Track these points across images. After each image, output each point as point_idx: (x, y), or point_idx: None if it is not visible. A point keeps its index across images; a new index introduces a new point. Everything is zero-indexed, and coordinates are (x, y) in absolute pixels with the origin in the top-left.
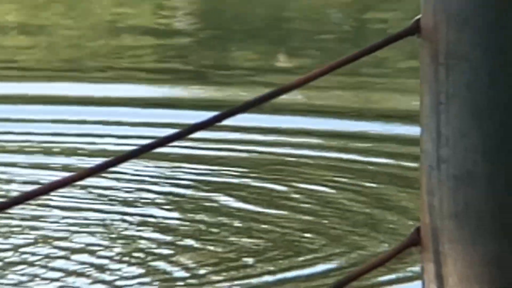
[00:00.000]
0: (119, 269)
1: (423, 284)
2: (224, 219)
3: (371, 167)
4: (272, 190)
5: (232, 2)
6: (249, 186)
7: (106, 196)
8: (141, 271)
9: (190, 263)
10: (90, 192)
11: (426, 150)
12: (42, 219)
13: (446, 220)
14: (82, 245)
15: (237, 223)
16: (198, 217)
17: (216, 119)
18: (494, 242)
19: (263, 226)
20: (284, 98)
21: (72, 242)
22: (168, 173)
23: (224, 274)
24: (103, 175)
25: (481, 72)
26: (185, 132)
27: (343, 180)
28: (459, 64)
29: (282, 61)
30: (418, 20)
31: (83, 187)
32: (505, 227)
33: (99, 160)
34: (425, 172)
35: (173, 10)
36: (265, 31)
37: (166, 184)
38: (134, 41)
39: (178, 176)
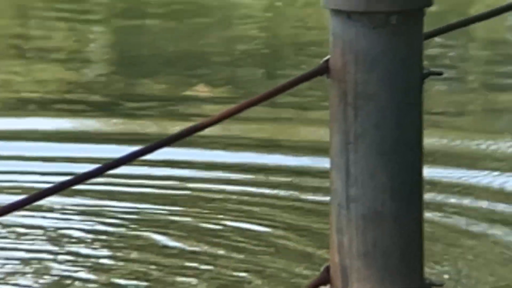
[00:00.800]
0: None
1: None
2: (157, 258)
3: (298, 203)
4: (201, 227)
5: (147, 32)
6: (177, 223)
7: (31, 234)
8: None
9: None
10: (12, 232)
11: (335, 189)
12: None
13: (355, 259)
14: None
15: (169, 262)
16: (131, 256)
17: (139, 153)
18: (402, 280)
19: (196, 264)
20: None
21: None
22: (93, 210)
23: None
24: (26, 213)
25: (388, 112)
26: (107, 167)
27: (272, 215)
28: (367, 104)
29: (200, 91)
30: (327, 60)
31: (5, 226)
32: (411, 265)
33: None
34: (334, 211)
35: (86, 38)
36: (180, 61)
37: (93, 222)
38: (42, 69)
39: (104, 214)
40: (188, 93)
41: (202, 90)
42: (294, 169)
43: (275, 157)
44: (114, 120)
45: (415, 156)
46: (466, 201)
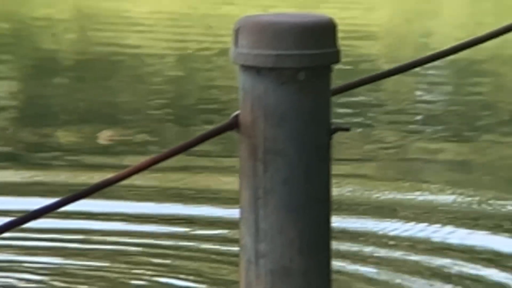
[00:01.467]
0: None
1: None
2: None
3: (221, 257)
4: (122, 283)
5: (56, 84)
6: (95, 278)
7: None
8: None
9: None
10: None
11: (245, 245)
12: None
13: None
14: None
15: None
16: None
17: (56, 205)
18: None
19: None
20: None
21: None
22: (6, 265)
23: None
24: None
25: (297, 168)
26: (20, 220)
27: (195, 269)
28: (276, 159)
29: (109, 140)
30: (237, 115)
31: None
32: None
33: None
34: (244, 266)
35: None
36: (90, 113)
37: (8, 278)
38: None
39: (20, 269)
40: (97, 143)
41: (110, 139)
42: (222, 220)
43: (199, 208)
44: (22, 171)
45: (324, 211)
46: (368, 249)
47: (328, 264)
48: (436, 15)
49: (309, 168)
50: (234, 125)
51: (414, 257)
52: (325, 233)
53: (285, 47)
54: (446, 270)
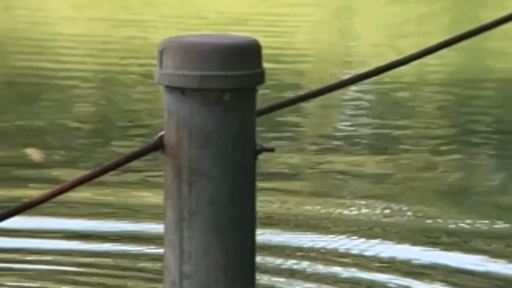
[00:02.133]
0: None
1: None
2: None
3: (149, 274)
4: None
5: None
6: None
7: None
8: None
9: None
10: None
11: (169, 266)
12: None
13: None
14: None
15: None
16: None
17: None
18: None
19: None
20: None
21: None
22: None
23: None
24: None
25: (222, 188)
26: None
27: None
28: (201, 180)
29: (33, 156)
30: (162, 136)
31: None
32: None
33: None
34: None
35: None
36: (13, 130)
37: None
38: None
39: None
40: (21, 159)
41: (34, 155)
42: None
43: (131, 225)
44: None
45: (249, 231)
46: (303, 265)
47: (253, 284)
48: (357, 36)
49: (234, 188)
50: (158, 145)
51: (342, 272)
52: (250, 253)
53: (210, 68)
54: (373, 283)
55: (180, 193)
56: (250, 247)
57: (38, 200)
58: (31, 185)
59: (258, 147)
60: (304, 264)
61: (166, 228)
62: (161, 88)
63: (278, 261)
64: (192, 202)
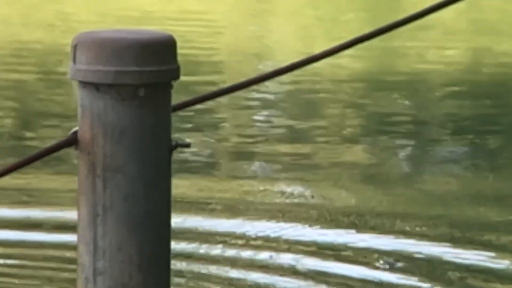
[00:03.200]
0: None
1: None
2: None
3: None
4: None
5: None
6: None
7: None
8: None
9: None
10: None
11: (83, 263)
12: None
13: None
14: None
15: None
16: None
17: None
18: None
19: None
20: None
21: None
22: None
23: None
24: None
25: (137, 184)
26: None
27: None
28: (116, 176)
29: None
30: (76, 132)
31: None
32: None
33: None
34: (81, 284)
35: None
36: None
37: None
38: None
39: None
40: None
41: None
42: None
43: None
44: None
45: (164, 228)
46: (218, 250)
47: (167, 279)
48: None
49: (149, 184)
50: (72, 141)
51: (250, 255)
52: (165, 249)
53: (124, 63)
54: (291, 266)
55: (94, 189)
56: (165, 242)
57: None
58: None
59: (173, 143)
60: (219, 249)
61: (79, 225)
62: (75, 83)
63: (193, 245)
64: (106, 198)
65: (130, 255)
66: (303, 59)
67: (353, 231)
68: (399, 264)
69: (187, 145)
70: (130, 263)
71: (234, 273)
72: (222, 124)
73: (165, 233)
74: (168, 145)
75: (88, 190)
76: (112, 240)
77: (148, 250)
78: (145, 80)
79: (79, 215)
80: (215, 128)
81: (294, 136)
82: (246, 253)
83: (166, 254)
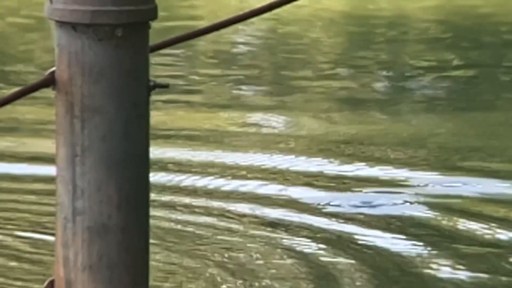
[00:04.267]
0: None
1: None
2: None
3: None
4: None
5: None
6: None
7: None
8: None
9: None
10: None
11: (61, 203)
12: None
13: (80, 272)
14: None
15: None
16: None
17: None
18: None
19: None
20: None
21: None
22: None
23: None
24: None
25: (115, 124)
26: None
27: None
28: (94, 116)
29: None
30: (53, 72)
31: None
32: (137, 278)
33: None
34: (60, 224)
35: None
36: None
37: None
38: None
39: None
40: None
41: None
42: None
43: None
44: None
45: (143, 168)
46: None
47: (147, 219)
48: None
49: (128, 124)
50: (49, 81)
51: (233, 182)
52: (144, 189)
53: (102, 3)
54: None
55: (73, 129)
56: (144, 182)
57: None
58: None
59: (151, 83)
60: (203, 180)
61: (58, 165)
62: (52, 23)
63: (170, 176)
64: (84, 138)
65: (109, 195)
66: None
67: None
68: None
69: (165, 86)
70: (109, 203)
71: (217, 203)
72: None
73: (144, 173)
74: (146, 86)
75: (66, 130)
76: (90, 180)
77: (127, 190)
78: (122, 19)
79: (57, 155)
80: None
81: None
82: (229, 184)
83: (145, 194)
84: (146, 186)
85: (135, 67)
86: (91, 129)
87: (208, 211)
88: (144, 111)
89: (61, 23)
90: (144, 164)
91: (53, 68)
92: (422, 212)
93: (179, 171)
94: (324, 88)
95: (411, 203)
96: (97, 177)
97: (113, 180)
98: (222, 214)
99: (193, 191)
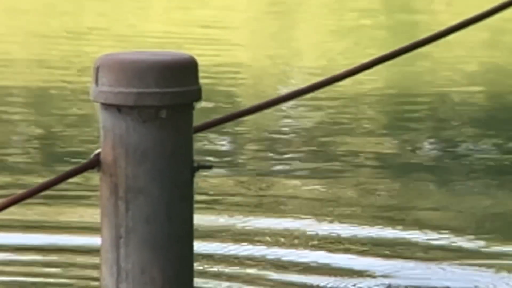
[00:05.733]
0: None
1: None
2: None
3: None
4: None
5: None
6: None
7: None
8: None
9: None
10: None
11: (106, 285)
12: None
13: None
14: None
15: None
16: None
17: None
18: None
19: None
20: None
21: None
22: None
23: None
24: None
25: (159, 206)
26: None
27: None
28: (138, 198)
29: None
30: (98, 154)
31: None
32: None
33: None
34: None
35: None
36: None
37: None
38: None
39: None
40: None
41: None
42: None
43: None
44: None
45: (186, 248)
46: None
47: None
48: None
49: (171, 206)
50: (94, 163)
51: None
52: (188, 270)
53: (146, 85)
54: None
55: (117, 211)
56: (188, 263)
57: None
58: None
59: (195, 164)
60: (255, 249)
61: (102, 246)
62: (97, 105)
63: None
64: (128, 220)
65: (153, 277)
66: (325, 78)
67: (389, 225)
68: None
69: (209, 167)
70: (153, 285)
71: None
72: (245, 144)
73: (188, 254)
74: (190, 167)
75: (110, 212)
76: (134, 262)
77: (171, 272)
78: (166, 101)
79: (102, 237)
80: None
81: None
82: (279, 252)
83: (188, 276)
84: (189, 268)
85: (179, 148)
86: (135, 210)
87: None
88: (188, 192)
89: (106, 105)
90: (187, 246)
91: (98, 150)
92: None
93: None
94: None
95: None
96: (141, 259)
97: (156, 262)
98: None
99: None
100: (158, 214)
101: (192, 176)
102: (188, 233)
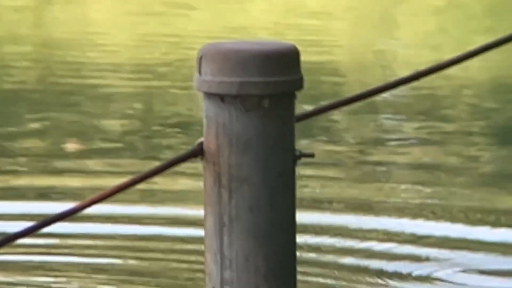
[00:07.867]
0: None
1: None
2: None
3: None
4: None
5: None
6: None
7: None
8: None
9: None
10: None
11: (210, 273)
12: None
13: None
14: None
15: None
16: None
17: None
18: None
19: None
20: None
21: None
22: None
23: None
24: None
25: (262, 194)
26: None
27: None
28: (241, 186)
29: (72, 147)
30: (201, 143)
31: None
32: None
33: None
34: None
35: None
36: (50, 119)
37: None
38: None
39: None
40: (59, 149)
41: (73, 147)
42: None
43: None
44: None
45: (289, 238)
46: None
47: None
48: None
49: (274, 194)
50: (198, 152)
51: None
52: (291, 260)
53: (249, 74)
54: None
55: (220, 199)
56: (291, 253)
57: (79, 207)
58: (66, 174)
59: (297, 153)
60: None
61: (206, 235)
62: (200, 94)
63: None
64: (232, 208)
65: (257, 266)
66: (430, 67)
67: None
68: None
69: (311, 155)
70: (256, 274)
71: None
72: (345, 132)
73: (291, 243)
74: (292, 155)
75: (214, 200)
76: (238, 251)
77: (274, 261)
78: (269, 90)
79: (205, 224)
80: (337, 135)
81: (423, 140)
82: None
83: (292, 265)
84: (293, 257)
85: (281, 137)
86: (238, 199)
87: None
88: (290, 181)
89: (209, 95)
90: (291, 235)
91: (201, 139)
92: None
93: None
94: None
95: None
96: (245, 247)
97: (260, 251)
98: None
99: None
100: (261, 203)
101: (294, 164)
102: (291, 222)
